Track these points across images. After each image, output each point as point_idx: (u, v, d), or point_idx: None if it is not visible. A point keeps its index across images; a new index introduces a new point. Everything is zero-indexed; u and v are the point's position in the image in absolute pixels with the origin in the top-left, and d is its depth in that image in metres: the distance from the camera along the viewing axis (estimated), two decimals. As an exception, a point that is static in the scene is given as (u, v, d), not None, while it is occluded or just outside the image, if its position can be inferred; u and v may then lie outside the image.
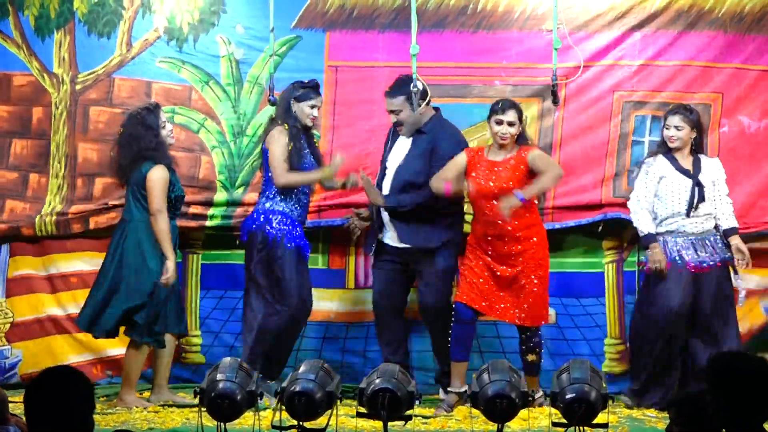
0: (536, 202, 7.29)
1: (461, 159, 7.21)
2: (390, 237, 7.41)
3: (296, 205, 7.35)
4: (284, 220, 7.29)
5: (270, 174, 7.31)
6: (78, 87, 7.96)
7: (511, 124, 7.13)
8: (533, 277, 7.15)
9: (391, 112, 7.38)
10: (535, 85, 7.88)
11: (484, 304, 7.17)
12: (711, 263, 7.28)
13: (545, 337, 7.48)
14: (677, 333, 7.22)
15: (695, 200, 7.24)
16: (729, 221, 7.33)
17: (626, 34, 7.90)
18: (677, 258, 7.26)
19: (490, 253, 7.15)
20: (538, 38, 7.88)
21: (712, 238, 7.32)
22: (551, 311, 7.55)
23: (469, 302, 7.15)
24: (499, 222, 7.03)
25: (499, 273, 7.15)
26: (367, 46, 7.99)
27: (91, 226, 7.96)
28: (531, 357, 7.26)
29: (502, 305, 7.17)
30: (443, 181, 7.13)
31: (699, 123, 7.37)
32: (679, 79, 7.90)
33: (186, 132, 7.97)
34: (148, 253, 7.11)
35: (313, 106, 7.37)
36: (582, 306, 8.04)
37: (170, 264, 7.10)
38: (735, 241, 7.28)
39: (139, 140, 7.17)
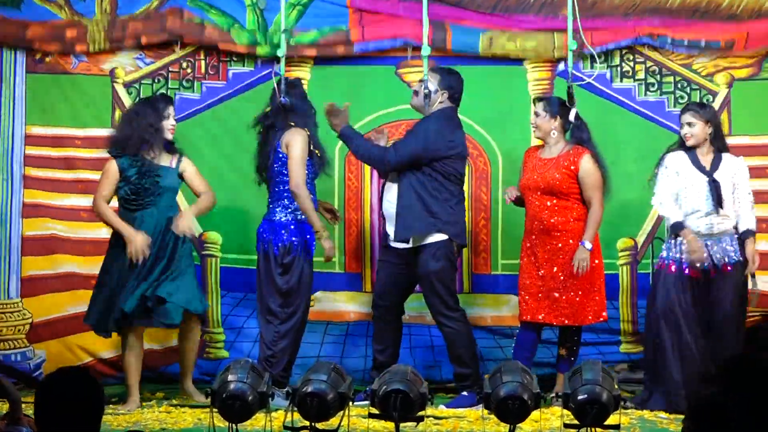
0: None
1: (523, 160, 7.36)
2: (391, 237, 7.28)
3: None
4: (301, 227, 7.21)
5: (278, 179, 7.22)
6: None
7: (536, 114, 7.26)
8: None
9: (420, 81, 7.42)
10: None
11: (542, 316, 7.15)
12: (724, 264, 7.10)
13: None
14: (672, 333, 7.05)
15: (719, 198, 7.05)
16: (746, 223, 7.14)
17: (643, 24, 7.89)
18: (681, 260, 7.09)
19: (537, 251, 7.15)
20: (556, 23, 7.85)
21: (728, 239, 7.11)
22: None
23: (533, 318, 7.15)
24: (544, 215, 7.12)
25: (543, 272, 7.12)
26: (388, 8, 7.98)
27: (143, 41, 8.02)
28: (562, 351, 7.26)
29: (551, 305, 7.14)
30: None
31: (714, 118, 7.23)
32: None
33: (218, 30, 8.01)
34: None
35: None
36: None
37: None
38: (750, 246, 7.11)
39: (141, 119, 7.21)
